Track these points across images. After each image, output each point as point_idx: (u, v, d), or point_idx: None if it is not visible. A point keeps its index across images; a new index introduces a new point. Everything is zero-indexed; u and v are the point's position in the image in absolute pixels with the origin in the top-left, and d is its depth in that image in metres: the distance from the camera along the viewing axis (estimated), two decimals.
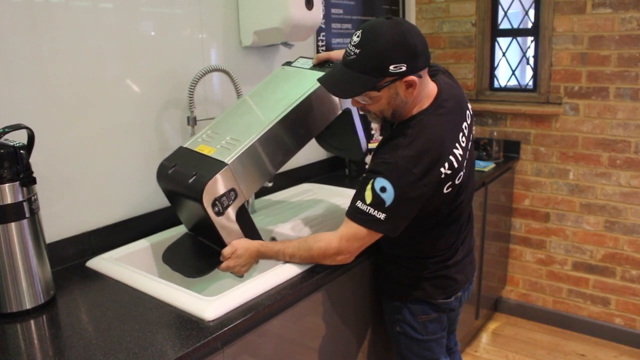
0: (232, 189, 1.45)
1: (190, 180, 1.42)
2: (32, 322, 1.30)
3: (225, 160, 1.43)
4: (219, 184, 1.42)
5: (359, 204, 1.38)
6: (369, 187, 1.36)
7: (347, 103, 1.67)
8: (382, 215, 1.35)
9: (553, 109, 2.80)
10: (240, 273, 1.53)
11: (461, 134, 1.45)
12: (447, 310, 1.65)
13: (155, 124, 1.82)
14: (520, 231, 3.09)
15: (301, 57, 1.76)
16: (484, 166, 2.72)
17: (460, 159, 1.42)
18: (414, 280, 1.60)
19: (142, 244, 1.71)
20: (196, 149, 1.52)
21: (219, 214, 1.44)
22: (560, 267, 2.99)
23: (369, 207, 1.36)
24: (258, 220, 1.88)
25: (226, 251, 1.50)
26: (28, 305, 1.33)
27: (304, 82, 1.63)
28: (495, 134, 2.96)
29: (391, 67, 1.32)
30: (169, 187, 1.53)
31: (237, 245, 1.49)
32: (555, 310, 3.06)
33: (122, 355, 1.11)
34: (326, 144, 1.95)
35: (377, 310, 1.79)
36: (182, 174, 1.46)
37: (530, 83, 2.97)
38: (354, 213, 1.40)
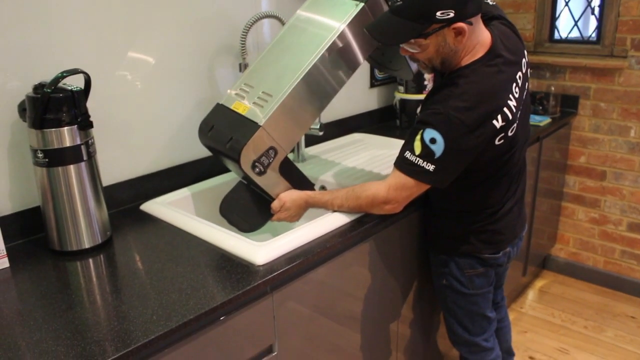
0: (271, 147, 1.43)
1: (227, 145, 1.41)
2: (90, 260, 1.36)
3: (259, 122, 1.40)
4: (255, 147, 1.40)
5: (407, 154, 1.36)
6: (418, 137, 1.34)
7: None
8: (431, 167, 1.33)
9: (617, 62, 2.66)
10: (292, 222, 1.56)
11: (515, 84, 1.40)
12: (495, 265, 1.63)
13: (208, 71, 1.83)
14: (574, 189, 3.00)
15: None
16: (540, 121, 2.63)
17: (514, 110, 1.37)
18: (462, 234, 1.59)
19: (194, 189, 1.75)
20: (232, 107, 1.49)
21: (260, 173, 1.44)
22: (615, 228, 2.90)
23: (417, 158, 1.34)
24: (308, 169, 1.90)
25: (275, 205, 1.52)
26: (87, 244, 1.39)
27: (336, 14, 1.50)
28: (552, 88, 2.84)
29: (438, 14, 1.27)
30: (210, 145, 1.53)
31: (284, 198, 1.51)
32: (606, 270, 2.99)
33: (175, 295, 1.16)
34: (377, 64, 1.91)
35: (423, 262, 1.79)
36: (221, 135, 1.45)
37: (594, 35, 2.82)
38: (402, 163, 1.38)
